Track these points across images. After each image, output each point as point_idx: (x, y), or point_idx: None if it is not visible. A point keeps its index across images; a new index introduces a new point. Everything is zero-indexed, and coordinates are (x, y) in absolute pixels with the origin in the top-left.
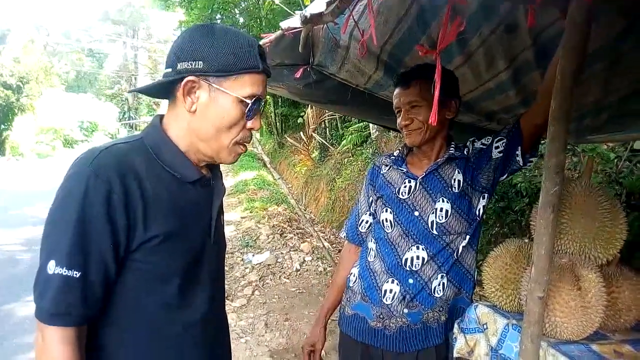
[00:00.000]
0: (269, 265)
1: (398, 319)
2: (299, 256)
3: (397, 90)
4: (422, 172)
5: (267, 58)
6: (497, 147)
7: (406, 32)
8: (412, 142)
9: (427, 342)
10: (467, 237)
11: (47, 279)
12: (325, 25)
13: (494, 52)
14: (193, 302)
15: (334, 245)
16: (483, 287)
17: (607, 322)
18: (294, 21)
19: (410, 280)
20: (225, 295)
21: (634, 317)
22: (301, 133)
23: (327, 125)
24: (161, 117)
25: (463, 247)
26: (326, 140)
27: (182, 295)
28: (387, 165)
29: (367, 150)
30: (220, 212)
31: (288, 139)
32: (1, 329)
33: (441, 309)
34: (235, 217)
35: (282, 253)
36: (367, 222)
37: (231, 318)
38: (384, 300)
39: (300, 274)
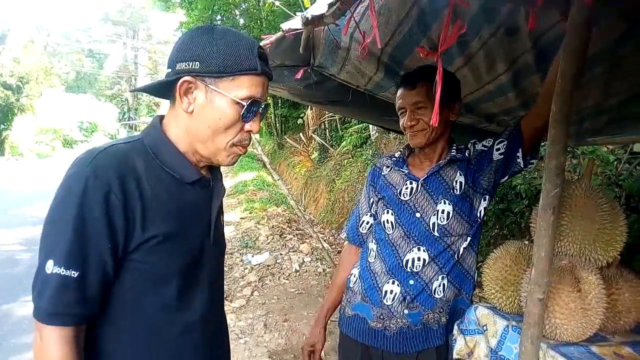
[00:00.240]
0: (268, 266)
1: (398, 320)
2: (298, 257)
3: (401, 91)
4: (423, 173)
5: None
6: (498, 149)
7: (407, 34)
8: (416, 144)
9: (427, 343)
10: (468, 238)
11: (46, 279)
12: (326, 27)
13: (494, 55)
14: (192, 304)
15: (333, 246)
16: (483, 289)
17: (607, 324)
18: (295, 23)
19: (411, 282)
20: (225, 296)
21: (633, 319)
22: (301, 134)
23: (326, 126)
24: (161, 117)
25: (464, 248)
26: (326, 142)
27: (181, 297)
28: (388, 167)
29: (367, 152)
30: (220, 212)
31: (288, 140)
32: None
33: (442, 310)
34: (234, 217)
35: (281, 254)
36: (367, 223)
37: (230, 319)
38: (385, 301)
39: (299, 275)
